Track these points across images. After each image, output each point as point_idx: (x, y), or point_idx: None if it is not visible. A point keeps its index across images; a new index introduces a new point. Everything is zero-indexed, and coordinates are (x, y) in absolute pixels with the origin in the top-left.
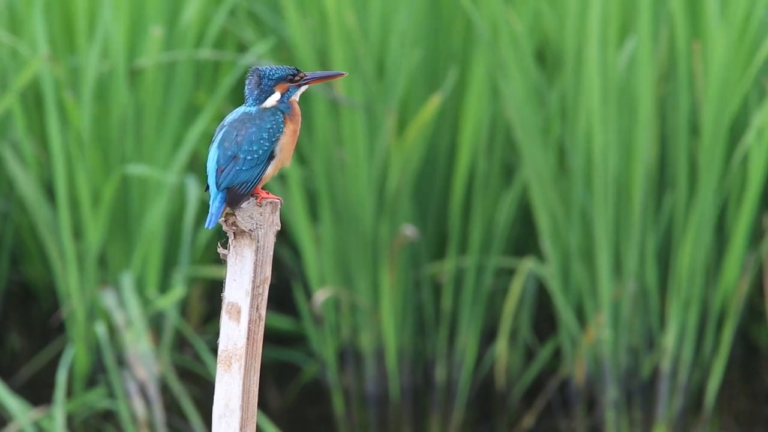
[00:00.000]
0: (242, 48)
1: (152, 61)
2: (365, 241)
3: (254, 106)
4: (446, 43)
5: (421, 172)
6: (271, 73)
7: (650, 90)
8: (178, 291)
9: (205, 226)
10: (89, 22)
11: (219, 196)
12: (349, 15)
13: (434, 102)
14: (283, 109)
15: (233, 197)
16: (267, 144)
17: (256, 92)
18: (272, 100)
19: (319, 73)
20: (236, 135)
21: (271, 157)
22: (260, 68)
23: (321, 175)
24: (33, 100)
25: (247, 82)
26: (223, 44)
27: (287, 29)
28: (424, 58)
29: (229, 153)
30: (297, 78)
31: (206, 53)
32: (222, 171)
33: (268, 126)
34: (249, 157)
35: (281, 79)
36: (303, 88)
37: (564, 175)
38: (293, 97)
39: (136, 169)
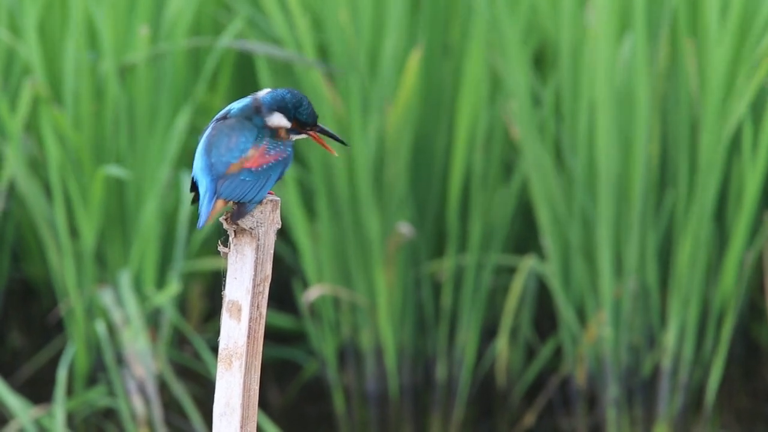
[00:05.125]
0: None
1: (141, 58)
2: (362, 239)
3: (260, 118)
4: (442, 36)
5: (419, 169)
6: (295, 108)
7: (649, 87)
8: (173, 287)
9: (198, 227)
10: (80, 23)
11: (207, 197)
12: (342, 11)
13: (416, 57)
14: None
15: (240, 212)
16: (281, 168)
17: (267, 106)
18: (278, 119)
19: (328, 130)
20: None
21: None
22: (297, 98)
23: (318, 171)
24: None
25: (270, 92)
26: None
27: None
28: (417, 50)
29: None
30: (308, 127)
31: (193, 41)
32: (223, 181)
33: (285, 156)
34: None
35: (291, 116)
36: (302, 136)
37: (562, 172)
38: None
39: (116, 171)
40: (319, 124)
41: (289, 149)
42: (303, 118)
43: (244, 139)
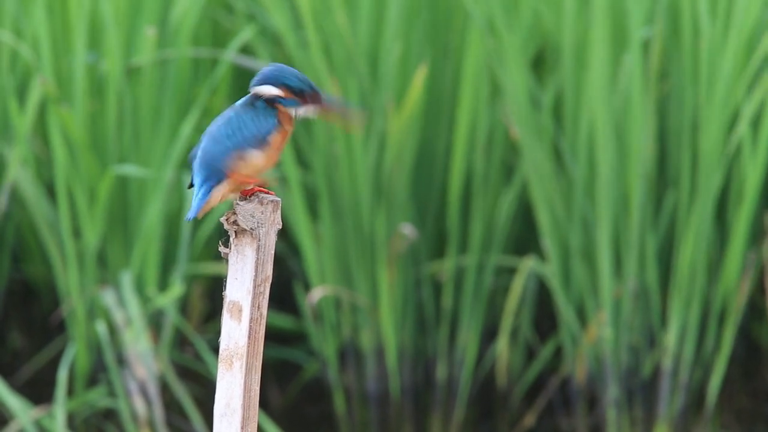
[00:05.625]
0: (244, 48)
1: (147, 60)
2: (363, 239)
3: (258, 102)
4: (442, 38)
5: (420, 170)
6: (276, 77)
7: (644, 88)
8: (176, 289)
9: (187, 218)
10: (87, 25)
11: (202, 190)
12: (340, 13)
13: (422, 73)
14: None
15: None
16: (256, 129)
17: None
18: (265, 89)
19: (336, 102)
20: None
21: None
22: (277, 67)
23: (320, 172)
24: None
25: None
26: (222, 41)
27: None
28: (418, 52)
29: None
30: (308, 99)
31: (198, 51)
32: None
33: (261, 122)
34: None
35: (278, 84)
36: (301, 110)
37: (561, 173)
38: (292, 112)
39: (127, 169)
40: (326, 97)
41: (271, 118)
42: (292, 83)
43: (242, 124)
